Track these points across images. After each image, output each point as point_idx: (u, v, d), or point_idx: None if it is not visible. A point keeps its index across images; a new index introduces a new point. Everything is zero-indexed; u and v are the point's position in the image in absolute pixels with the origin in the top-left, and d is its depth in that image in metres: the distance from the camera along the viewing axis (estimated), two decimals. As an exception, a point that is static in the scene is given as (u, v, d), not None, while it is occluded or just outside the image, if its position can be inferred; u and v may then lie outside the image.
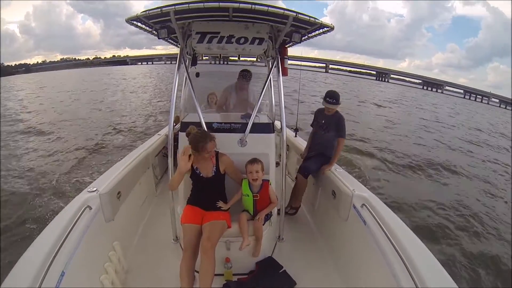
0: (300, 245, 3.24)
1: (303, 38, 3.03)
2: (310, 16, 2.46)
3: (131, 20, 2.59)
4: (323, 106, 3.51)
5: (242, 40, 2.95)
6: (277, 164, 3.46)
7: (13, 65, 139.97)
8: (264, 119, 3.44)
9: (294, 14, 2.35)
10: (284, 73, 3.06)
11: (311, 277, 2.79)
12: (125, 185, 3.07)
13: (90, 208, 2.38)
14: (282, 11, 2.33)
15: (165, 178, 4.84)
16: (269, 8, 2.27)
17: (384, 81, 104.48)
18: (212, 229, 2.48)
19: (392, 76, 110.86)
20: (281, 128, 2.99)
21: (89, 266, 2.23)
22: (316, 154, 3.67)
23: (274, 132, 3.12)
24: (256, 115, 2.99)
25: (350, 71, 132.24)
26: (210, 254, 2.33)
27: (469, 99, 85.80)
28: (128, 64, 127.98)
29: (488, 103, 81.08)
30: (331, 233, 3.25)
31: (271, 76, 3.23)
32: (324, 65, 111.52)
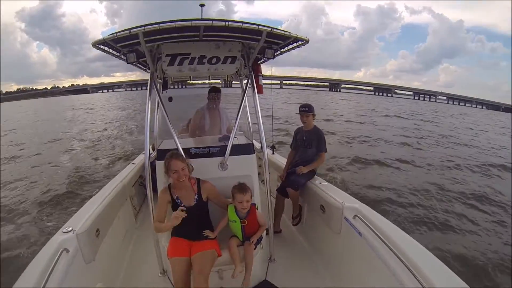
0: (293, 263, 3.07)
1: (276, 53, 2.87)
2: (284, 31, 2.35)
3: (97, 44, 2.35)
4: (301, 125, 3.58)
5: (214, 60, 2.80)
6: (262, 181, 3.37)
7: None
8: (242, 140, 3.24)
9: (269, 29, 2.24)
10: (260, 91, 2.95)
11: None
12: (103, 220, 2.79)
13: (68, 251, 2.08)
14: (257, 27, 2.22)
15: (144, 208, 4.52)
16: (243, 25, 2.18)
17: (337, 91, 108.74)
18: (202, 261, 2.31)
19: (343, 85, 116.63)
20: (261, 147, 2.87)
21: None
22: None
23: (254, 153, 2.97)
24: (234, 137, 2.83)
25: (306, 85, 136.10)
26: None
27: (419, 99, 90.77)
28: (89, 92, 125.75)
29: (435, 101, 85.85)
30: (324, 248, 3.11)
31: (245, 95, 3.06)
32: (278, 81, 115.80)
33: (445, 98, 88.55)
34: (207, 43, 2.71)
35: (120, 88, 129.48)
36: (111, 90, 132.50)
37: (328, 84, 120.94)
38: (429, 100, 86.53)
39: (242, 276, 2.44)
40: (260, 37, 2.42)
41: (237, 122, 2.84)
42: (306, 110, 3.44)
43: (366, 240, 2.25)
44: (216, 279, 2.51)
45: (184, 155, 2.56)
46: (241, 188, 2.46)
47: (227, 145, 2.76)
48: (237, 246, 2.51)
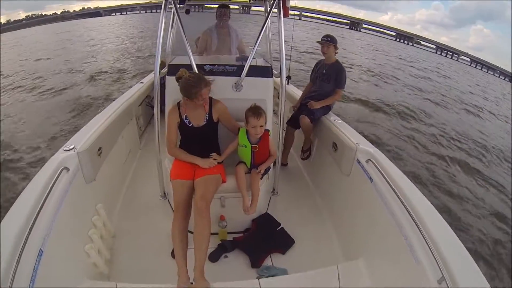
0: (295, 199, 3.04)
1: None
2: None
3: None
4: (323, 58, 3.37)
5: None
6: (274, 111, 3.20)
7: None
8: (260, 62, 3.02)
9: None
10: (286, 14, 2.69)
11: (310, 235, 2.59)
12: (106, 139, 2.66)
13: (68, 170, 1.98)
14: None
15: (149, 129, 4.43)
16: None
17: (357, 30, 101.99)
18: (206, 186, 2.15)
19: (363, 26, 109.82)
20: (280, 72, 2.61)
21: (71, 237, 1.90)
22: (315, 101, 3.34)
23: (272, 77, 2.76)
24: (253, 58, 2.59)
25: (326, 20, 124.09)
26: (205, 215, 2.02)
27: (440, 54, 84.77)
28: (102, 16, 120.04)
29: (457, 60, 79.68)
30: (329, 188, 2.97)
31: (269, 16, 2.78)
32: (298, 12, 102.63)
33: (468, 59, 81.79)
34: None
35: (134, 10, 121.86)
36: (125, 13, 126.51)
37: (348, 22, 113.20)
38: (451, 58, 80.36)
39: (242, 205, 2.31)
40: None
41: (258, 42, 2.60)
42: (328, 40, 3.17)
43: (376, 186, 2.14)
44: (217, 206, 2.41)
45: (198, 71, 2.43)
46: (256, 111, 2.24)
47: (243, 65, 2.56)
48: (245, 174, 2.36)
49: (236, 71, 2.60)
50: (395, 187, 1.94)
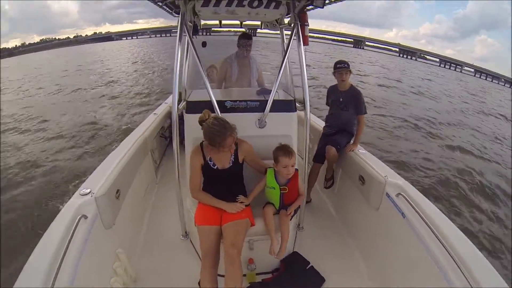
0: (322, 234, 2.87)
1: (326, 2, 2.42)
2: None
3: None
4: (335, 83, 3.14)
5: (255, 3, 2.40)
6: None
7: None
8: (282, 95, 2.83)
9: None
10: (305, 42, 2.55)
11: (339, 271, 2.43)
12: (124, 180, 2.50)
13: (86, 217, 1.86)
14: None
15: (164, 161, 4.29)
16: None
17: (360, 48, 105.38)
18: (235, 232, 2.03)
19: (367, 43, 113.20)
20: (303, 106, 2.45)
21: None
22: (337, 131, 3.18)
23: (296, 111, 2.57)
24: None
25: (331, 39, 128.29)
26: (237, 263, 1.91)
27: (444, 67, 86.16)
28: (114, 40, 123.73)
29: (461, 71, 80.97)
30: (356, 221, 2.85)
31: (290, 46, 2.60)
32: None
33: (472, 70, 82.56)
34: None
35: (144, 35, 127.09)
36: (135, 37, 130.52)
37: (352, 40, 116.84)
38: (455, 70, 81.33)
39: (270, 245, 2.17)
40: None
41: (280, 75, 2.46)
42: (345, 66, 2.99)
43: (409, 222, 2.04)
44: (245, 249, 2.27)
45: (218, 109, 2.32)
46: (287, 150, 2.13)
47: (266, 100, 2.43)
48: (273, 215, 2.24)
49: (258, 106, 2.46)
50: (432, 224, 1.85)
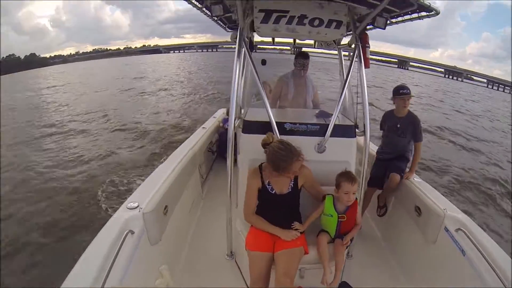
0: (371, 264, 2.73)
1: (387, 22, 2.47)
2: None
3: None
4: (393, 108, 3.04)
5: (316, 22, 2.39)
6: None
7: (48, 56, 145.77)
8: (341, 118, 2.78)
9: None
10: (367, 65, 2.53)
11: None
12: (172, 195, 2.52)
13: (133, 233, 1.87)
14: None
15: (210, 176, 4.23)
16: None
17: (405, 68, 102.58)
18: (289, 261, 1.97)
19: (411, 64, 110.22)
20: (364, 131, 2.39)
21: None
22: (395, 157, 3.05)
23: (355, 136, 2.47)
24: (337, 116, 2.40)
25: (376, 60, 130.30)
26: None
27: (492, 88, 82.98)
28: (161, 53, 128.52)
29: (510, 93, 79.55)
30: (408, 254, 2.69)
31: (351, 68, 2.57)
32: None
33: None
34: (308, 1, 2.33)
35: (191, 49, 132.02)
36: (182, 51, 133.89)
37: (396, 60, 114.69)
38: (503, 91, 76.84)
39: (321, 275, 2.07)
40: (377, 2, 2.07)
41: (342, 98, 2.42)
42: (408, 92, 2.84)
43: (471, 261, 1.92)
44: (296, 277, 2.10)
45: (277, 132, 2.23)
46: (350, 177, 2.07)
47: (327, 124, 2.32)
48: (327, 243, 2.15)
49: (318, 130, 2.34)
50: (495, 264, 1.74)
